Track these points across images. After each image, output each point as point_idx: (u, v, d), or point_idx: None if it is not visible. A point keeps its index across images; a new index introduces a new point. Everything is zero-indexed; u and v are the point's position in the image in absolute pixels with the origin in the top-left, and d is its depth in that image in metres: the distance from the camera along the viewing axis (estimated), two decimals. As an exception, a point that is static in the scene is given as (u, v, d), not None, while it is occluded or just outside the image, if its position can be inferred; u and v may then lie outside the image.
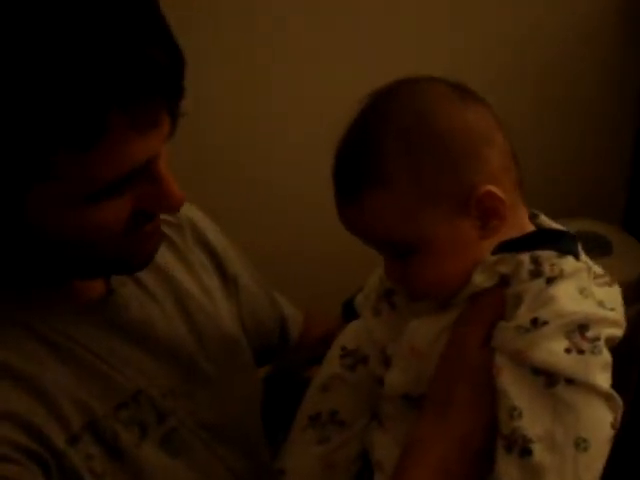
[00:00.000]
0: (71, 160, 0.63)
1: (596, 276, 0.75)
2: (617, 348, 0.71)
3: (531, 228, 0.78)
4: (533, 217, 0.80)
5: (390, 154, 0.72)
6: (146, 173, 0.68)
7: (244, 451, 0.85)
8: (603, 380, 0.67)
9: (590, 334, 0.67)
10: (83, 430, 0.71)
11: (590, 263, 0.75)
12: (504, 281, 0.73)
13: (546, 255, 0.72)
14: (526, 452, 0.66)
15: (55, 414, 0.70)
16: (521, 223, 0.77)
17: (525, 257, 0.72)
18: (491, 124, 0.75)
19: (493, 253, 0.74)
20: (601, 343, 0.68)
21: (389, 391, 0.79)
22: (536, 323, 0.68)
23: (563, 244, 0.74)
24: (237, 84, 1.60)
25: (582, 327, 0.67)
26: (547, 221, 0.80)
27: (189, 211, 0.94)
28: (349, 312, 0.89)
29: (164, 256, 0.87)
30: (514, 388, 0.68)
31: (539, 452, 0.65)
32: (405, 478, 0.71)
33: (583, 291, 0.70)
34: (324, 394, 0.85)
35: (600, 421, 0.66)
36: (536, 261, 0.71)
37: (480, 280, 0.73)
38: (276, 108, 1.64)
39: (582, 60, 1.79)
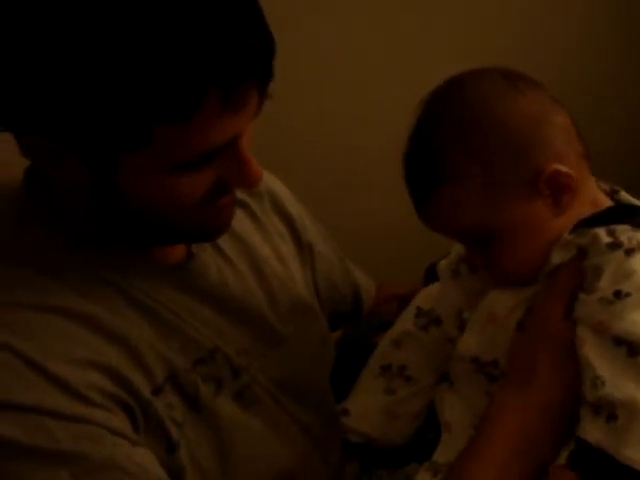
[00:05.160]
0: (167, 131, 0.69)
1: None
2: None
3: (607, 203, 0.82)
4: (614, 193, 0.84)
5: (455, 151, 0.78)
6: (230, 149, 0.75)
7: (311, 407, 0.92)
8: None
9: None
10: (165, 382, 0.79)
11: None
12: (581, 254, 0.77)
13: (621, 228, 0.76)
14: (612, 417, 0.70)
15: (141, 366, 0.77)
16: (594, 198, 0.82)
17: (601, 230, 0.76)
18: (547, 105, 0.80)
19: (570, 232, 0.78)
20: None
21: (461, 352, 0.84)
22: (619, 295, 0.72)
23: (638, 218, 0.78)
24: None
25: None
26: (627, 197, 0.84)
27: (270, 181, 1.01)
28: (431, 276, 0.95)
29: (242, 223, 0.95)
30: (597, 358, 0.72)
31: (624, 417, 0.69)
32: (487, 442, 0.76)
33: None
34: (396, 348, 0.93)
35: None
36: (613, 234, 0.76)
37: (558, 258, 0.78)
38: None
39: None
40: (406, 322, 0.93)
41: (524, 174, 0.77)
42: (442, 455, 0.82)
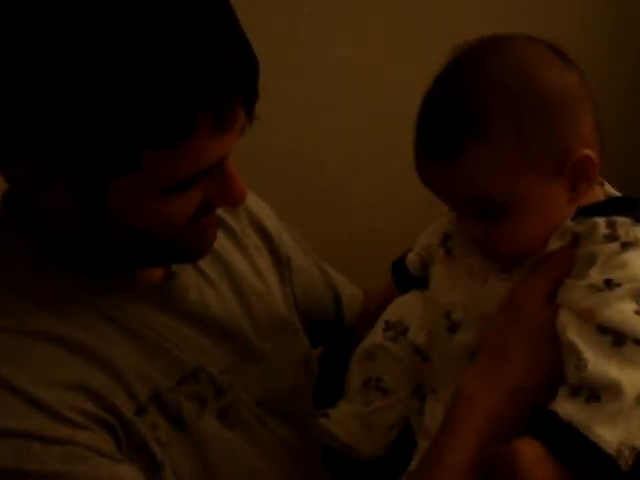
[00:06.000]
0: (158, 155, 0.70)
1: None
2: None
3: (602, 197, 0.82)
4: (599, 185, 0.84)
5: (497, 109, 0.74)
6: (217, 169, 0.76)
7: (294, 424, 0.93)
8: None
9: None
10: (149, 402, 0.79)
11: None
12: (575, 241, 0.77)
13: (622, 221, 0.76)
14: (594, 398, 0.69)
15: (124, 387, 0.78)
16: (596, 191, 0.81)
17: (601, 220, 0.76)
18: (585, 89, 0.78)
19: (571, 220, 0.78)
20: None
21: (457, 352, 0.84)
22: (609, 284, 0.72)
23: (637, 212, 0.77)
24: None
25: None
26: (612, 190, 0.84)
27: (248, 198, 1.00)
28: (399, 271, 0.96)
29: (221, 241, 0.96)
30: (581, 342, 0.71)
31: (607, 398, 0.69)
32: (456, 423, 0.76)
33: None
34: (370, 360, 0.93)
35: None
36: (612, 226, 0.75)
37: (554, 245, 0.78)
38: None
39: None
40: (375, 336, 0.94)
41: (555, 150, 0.75)
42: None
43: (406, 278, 0.97)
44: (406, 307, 0.93)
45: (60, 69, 0.67)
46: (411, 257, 0.96)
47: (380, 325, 0.94)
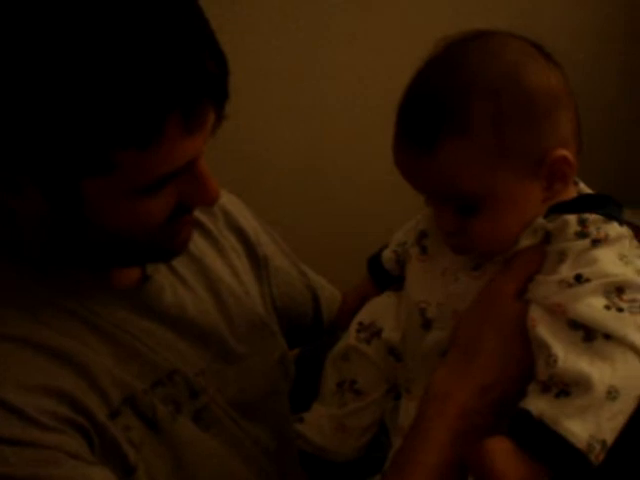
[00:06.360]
0: (130, 156, 0.70)
1: (638, 246, 0.79)
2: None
3: (574, 194, 0.82)
4: (574, 184, 0.83)
5: (476, 105, 0.74)
6: (189, 169, 0.76)
7: (269, 427, 0.93)
8: (639, 339, 0.70)
9: (626, 297, 0.72)
10: (122, 404, 0.79)
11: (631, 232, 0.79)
12: (546, 238, 0.77)
13: (593, 218, 0.76)
14: (564, 393, 0.69)
15: (97, 391, 0.78)
16: (569, 189, 0.81)
17: (572, 218, 0.76)
18: (567, 88, 0.78)
19: (543, 217, 0.78)
20: (638, 304, 0.72)
21: (429, 350, 0.84)
22: (580, 279, 0.72)
23: (609, 209, 0.78)
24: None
25: (619, 289, 0.72)
26: (586, 188, 0.84)
27: (223, 199, 1.00)
28: (375, 268, 0.96)
29: (197, 242, 0.96)
30: (552, 338, 0.71)
31: (577, 393, 0.69)
32: (428, 421, 0.76)
33: (623, 258, 0.75)
34: (345, 363, 0.93)
35: (634, 376, 0.70)
36: (583, 223, 0.76)
37: (526, 242, 0.78)
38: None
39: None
40: (349, 338, 0.93)
41: (533, 149, 0.75)
42: None
43: (382, 274, 0.97)
44: (380, 308, 0.93)
45: (35, 73, 0.66)
46: (387, 254, 0.96)
47: (354, 327, 0.94)
